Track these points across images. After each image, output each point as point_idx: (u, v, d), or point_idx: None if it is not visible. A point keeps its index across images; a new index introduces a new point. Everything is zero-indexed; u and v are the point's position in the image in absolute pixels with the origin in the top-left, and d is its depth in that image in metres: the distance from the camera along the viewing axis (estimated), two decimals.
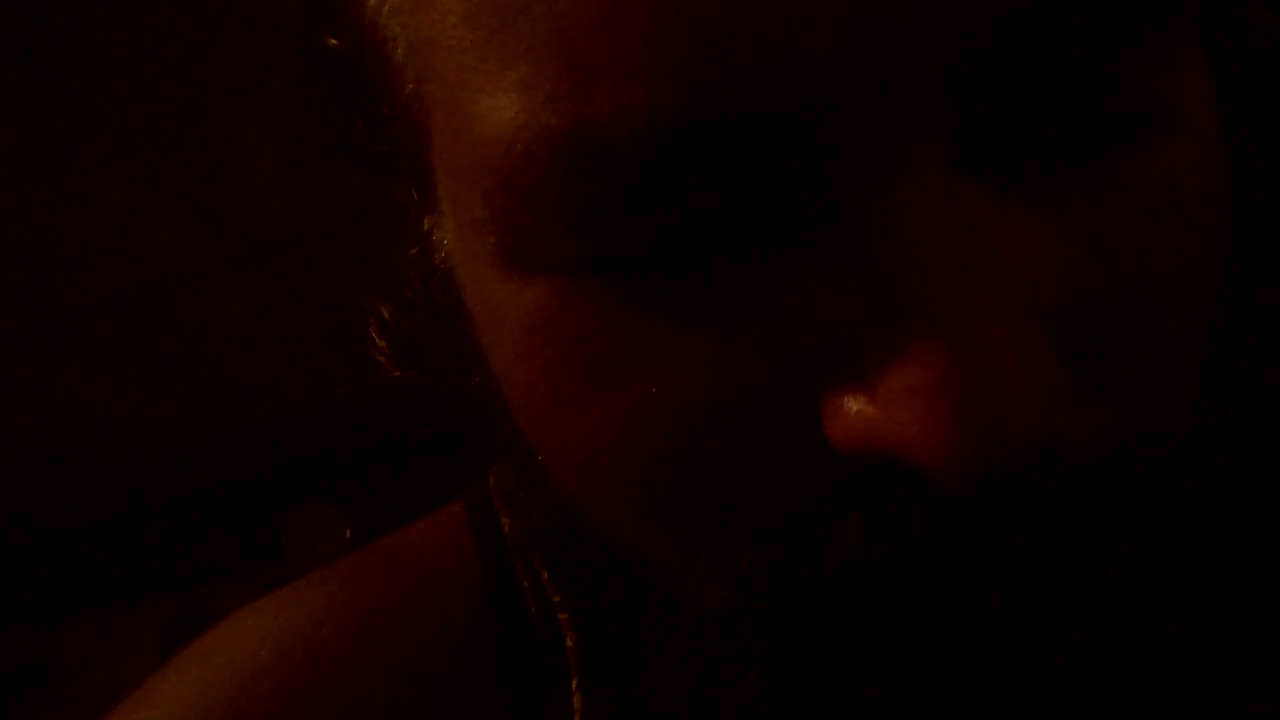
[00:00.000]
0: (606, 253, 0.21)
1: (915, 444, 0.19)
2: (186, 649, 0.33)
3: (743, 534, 0.22)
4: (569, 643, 0.31)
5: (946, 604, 0.20)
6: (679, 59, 0.19)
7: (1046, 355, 0.19)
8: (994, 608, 0.20)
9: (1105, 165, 0.21)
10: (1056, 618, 0.20)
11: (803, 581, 0.21)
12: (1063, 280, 0.20)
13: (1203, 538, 0.22)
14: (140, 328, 1.82)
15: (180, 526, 2.41)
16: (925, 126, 0.19)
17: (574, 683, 0.30)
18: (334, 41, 0.27)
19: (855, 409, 0.20)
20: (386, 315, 0.32)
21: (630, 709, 0.29)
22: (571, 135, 0.19)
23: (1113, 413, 0.21)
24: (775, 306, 0.21)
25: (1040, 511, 0.19)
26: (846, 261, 0.20)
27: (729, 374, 0.21)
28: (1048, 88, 0.20)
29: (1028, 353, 0.19)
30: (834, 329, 0.20)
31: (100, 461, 2.24)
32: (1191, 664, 0.21)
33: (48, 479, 2.27)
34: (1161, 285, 0.21)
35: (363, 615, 0.33)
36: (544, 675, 0.31)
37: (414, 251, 0.28)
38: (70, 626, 2.40)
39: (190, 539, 2.38)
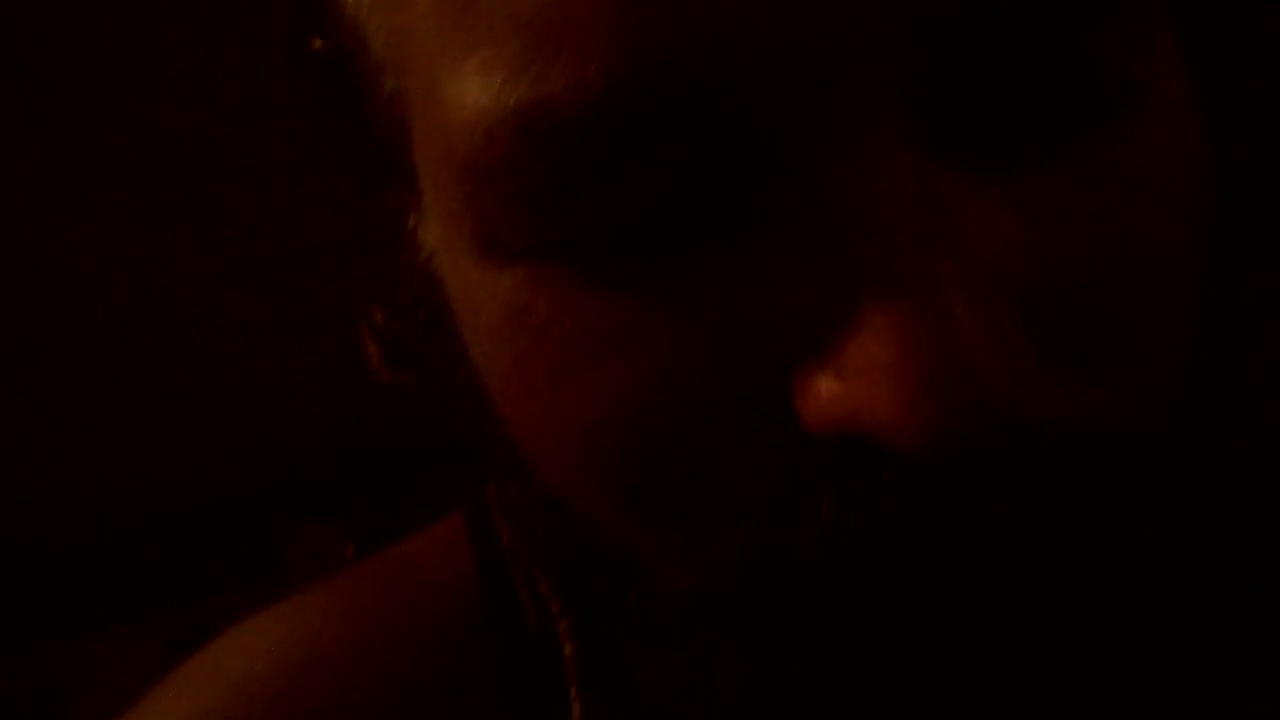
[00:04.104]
0: (574, 237, 0.21)
1: (881, 419, 0.18)
2: (186, 663, 0.33)
3: (716, 518, 0.22)
4: (567, 651, 0.31)
5: (920, 581, 0.20)
6: (629, 32, 0.19)
7: (1015, 331, 0.19)
8: (968, 585, 0.20)
9: (1077, 149, 0.21)
10: (1031, 597, 0.20)
11: (776, 564, 0.21)
12: (1034, 262, 0.20)
13: (1186, 523, 0.21)
14: (141, 346, 1.82)
15: (183, 545, 2.41)
16: (884, 98, 0.19)
17: (572, 690, 0.30)
18: (318, 43, 0.27)
19: (824, 388, 0.19)
20: (378, 320, 0.32)
21: (628, 713, 0.29)
22: (529, 113, 0.20)
23: (1089, 394, 0.20)
24: (741, 287, 0.21)
25: (1013, 488, 0.19)
26: (807, 236, 0.20)
27: (698, 357, 0.21)
28: (1015, 65, 0.20)
29: (994, 325, 0.18)
30: (797, 307, 0.20)
31: (102, 480, 2.24)
32: (1165, 651, 0.21)
33: (49, 498, 2.27)
34: (1138, 269, 0.21)
35: (361, 628, 0.33)
36: (543, 684, 0.31)
37: (404, 258, 0.28)
38: (73, 647, 2.40)
39: (193, 558, 2.38)
